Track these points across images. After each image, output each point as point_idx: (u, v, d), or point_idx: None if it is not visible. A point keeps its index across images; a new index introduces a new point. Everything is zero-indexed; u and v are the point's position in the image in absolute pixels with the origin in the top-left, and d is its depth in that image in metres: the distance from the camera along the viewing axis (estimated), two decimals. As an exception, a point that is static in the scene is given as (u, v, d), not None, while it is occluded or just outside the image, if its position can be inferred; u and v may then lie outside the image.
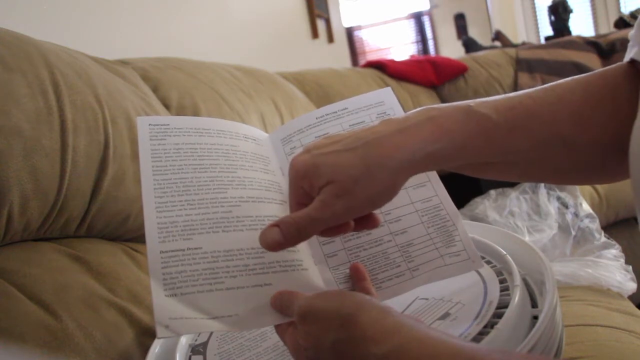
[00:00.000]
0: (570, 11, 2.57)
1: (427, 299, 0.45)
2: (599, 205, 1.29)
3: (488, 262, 0.47)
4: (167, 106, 0.88)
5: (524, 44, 2.51)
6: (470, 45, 2.74)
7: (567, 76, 0.41)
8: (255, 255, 0.40)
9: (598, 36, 2.13)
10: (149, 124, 0.44)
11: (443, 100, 1.95)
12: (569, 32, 2.51)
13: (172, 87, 0.92)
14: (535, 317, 0.40)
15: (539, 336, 0.35)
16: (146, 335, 0.54)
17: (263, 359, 0.44)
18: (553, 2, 2.58)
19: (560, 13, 2.55)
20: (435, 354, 0.28)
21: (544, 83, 0.44)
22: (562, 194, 0.95)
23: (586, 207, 0.93)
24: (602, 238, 0.84)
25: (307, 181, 0.37)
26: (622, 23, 2.33)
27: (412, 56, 2.49)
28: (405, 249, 0.44)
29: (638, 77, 0.38)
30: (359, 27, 5.14)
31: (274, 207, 0.44)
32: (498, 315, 0.39)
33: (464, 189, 0.94)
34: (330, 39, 3.29)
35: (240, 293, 0.38)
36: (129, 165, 0.63)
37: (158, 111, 0.80)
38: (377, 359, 0.30)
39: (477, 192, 1.01)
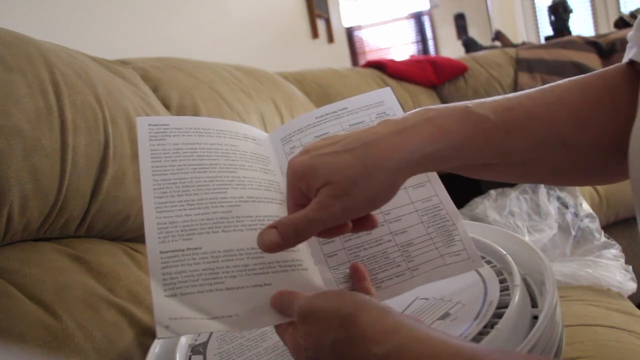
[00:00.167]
0: (570, 11, 2.58)
1: (427, 299, 0.45)
2: (599, 205, 1.29)
3: (488, 262, 0.47)
4: (167, 106, 0.88)
5: (524, 44, 2.51)
6: (470, 45, 2.74)
7: (567, 76, 0.41)
8: (255, 255, 0.40)
9: (598, 36, 2.13)
10: (149, 124, 0.44)
11: (443, 100, 1.95)
12: (569, 32, 2.51)
13: (172, 87, 0.92)
14: (535, 317, 0.40)
15: (539, 336, 0.35)
16: (146, 335, 0.54)
17: (263, 359, 0.44)
18: (553, 2, 2.58)
19: (560, 13, 2.55)
20: (435, 354, 0.28)
21: (544, 83, 0.44)
22: (562, 194, 0.95)
23: (586, 207, 0.93)
24: (602, 238, 0.84)
25: (305, 182, 0.37)
26: (622, 23, 2.33)
27: (412, 56, 2.50)
28: (405, 249, 0.44)
29: (637, 77, 0.38)
30: (359, 27, 5.14)
31: (274, 207, 0.44)
32: (498, 315, 0.39)
33: (464, 189, 0.94)
34: (330, 39, 3.29)
35: (240, 293, 0.38)
36: (129, 165, 0.63)
37: (158, 111, 0.80)
38: (377, 359, 0.30)
39: (477, 192, 1.01)
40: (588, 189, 1.29)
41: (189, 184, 0.41)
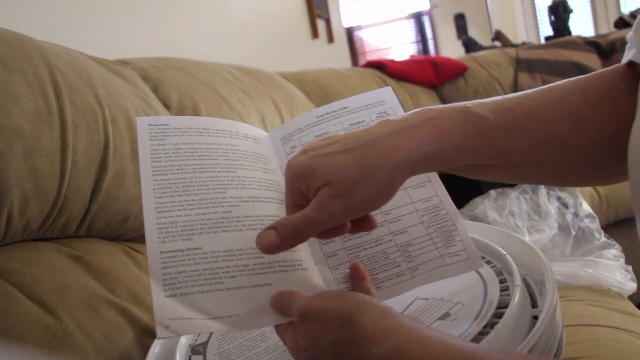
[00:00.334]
0: (570, 11, 2.58)
1: (427, 299, 0.45)
2: (599, 205, 1.29)
3: (488, 262, 0.47)
4: (167, 106, 0.88)
5: (524, 44, 2.51)
6: (470, 45, 2.74)
7: (567, 76, 0.41)
8: (255, 255, 0.40)
9: (598, 36, 2.13)
10: (149, 124, 0.44)
11: (443, 100, 1.95)
12: (569, 32, 2.51)
13: (172, 87, 0.92)
14: (535, 317, 0.40)
15: (539, 336, 0.35)
16: (146, 335, 0.54)
17: (263, 359, 0.44)
18: (553, 2, 2.58)
19: (560, 13, 2.55)
20: (435, 354, 0.28)
21: (544, 83, 0.44)
22: (562, 194, 0.95)
23: (586, 207, 0.93)
24: (602, 238, 0.84)
25: (304, 183, 0.37)
26: (622, 23, 2.33)
27: (412, 56, 2.50)
28: (405, 249, 0.44)
29: (636, 78, 0.38)
30: (359, 27, 5.14)
31: (274, 206, 0.44)
32: (498, 315, 0.39)
33: (464, 189, 0.94)
34: (330, 39, 3.29)
35: (240, 293, 0.38)
36: (129, 165, 0.63)
37: (158, 111, 0.80)
38: (377, 359, 0.30)
39: (477, 192, 1.01)
40: (588, 189, 1.29)
41: (189, 184, 0.41)
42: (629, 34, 0.40)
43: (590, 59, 1.95)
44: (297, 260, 0.42)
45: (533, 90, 0.40)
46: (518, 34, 4.55)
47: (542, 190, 0.95)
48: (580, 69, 1.91)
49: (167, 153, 0.43)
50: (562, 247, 0.83)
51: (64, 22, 1.18)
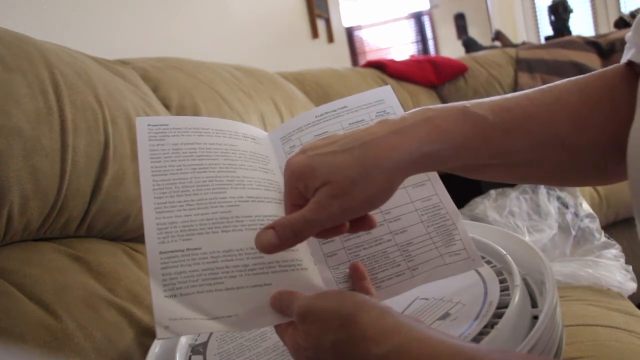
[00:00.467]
0: (570, 11, 2.58)
1: (427, 299, 0.45)
2: (599, 205, 1.29)
3: (488, 262, 0.47)
4: (167, 106, 0.88)
5: (524, 43, 2.51)
6: (470, 45, 2.74)
7: (567, 76, 0.41)
8: (254, 255, 0.40)
9: (598, 36, 2.13)
10: (148, 125, 0.44)
11: (443, 100, 1.95)
12: (569, 32, 2.51)
13: (172, 87, 0.92)
14: (535, 317, 0.40)
15: (539, 336, 0.35)
16: (146, 335, 0.54)
17: (263, 359, 0.44)
18: (553, 2, 2.58)
19: (560, 13, 2.55)
20: (435, 354, 0.28)
21: (544, 83, 0.44)
22: (562, 194, 0.95)
23: (586, 207, 0.93)
24: (602, 238, 0.84)
25: (303, 182, 0.37)
26: (622, 23, 2.33)
27: (412, 56, 2.50)
28: (405, 248, 0.44)
29: (635, 78, 0.38)
30: (359, 27, 5.14)
31: (274, 206, 0.44)
32: (498, 315, 0.39)
33: (464, 189, 0.94)
34: (330, 39, 3.29)
35: (239, 293, 0.38)
36: (129, 165, 0.63)
37: (158, 111, 0.80)
38: (377, 359, 0.30)
39: (477, 192, 1.01)
40: (588, 189, 1.29)
41: (189, 184, 0.41)
42: (628, 34, 0.40)
43: (590, 58, 1.95)
44: (296, 260, 0.42)
45: (532, 90, 0.40)
46: (518, 34, 4.55)
47: (542, 190, 0.95)
48: (580, 69, 1.91)
49: (167, 153, 0.43)
50: (562, 247, 0.83)
51: (64, 22, 1.18)
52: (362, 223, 0.40)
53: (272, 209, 0.43)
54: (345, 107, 0.49)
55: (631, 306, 0.69)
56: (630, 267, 0.76)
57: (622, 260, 0.78)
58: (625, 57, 0.39)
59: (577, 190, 0.97)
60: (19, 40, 0.58)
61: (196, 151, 0.44)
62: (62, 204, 0.56)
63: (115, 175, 0.61)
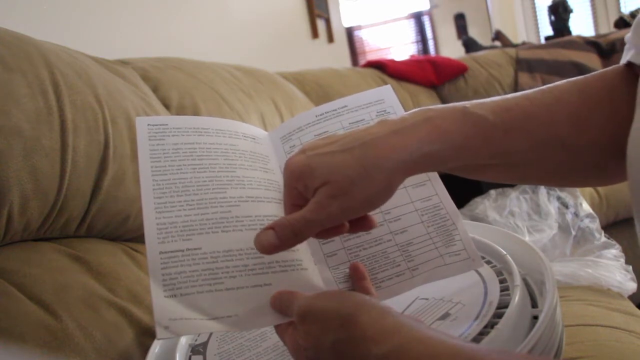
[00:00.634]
0: (571, 11, 2.58)
1: (427, 299, 0.45)
2: (599, 205, 1.29)
3: (488, 262, 0.47)
4: (167, 106, 0.88)
5: (524, 43, 2.51)
6: (470, 45, 2.74)
7: (567, 76, 0.41)
8: (254, 256, 0.39)
9: (598, 36, 2.13)
10: (148, 124, 0.44)
11: (443, 100, 1.95)
12: (569, 32, 2.51)
13: (172, 87, 0.92)
14: (536, 317, 0.40)
15: (539, 336, 0.35)
16: (146, 335, 0.54)
17: (263, 359, 0.44)
18: (553, 2, 2.58)
19: (560, 13, 2.55)
20: (435, 354, 0.28)
21: (544, 83, 0.44)
22: (562, 194, 0.95)
23: (586, 207, 0.93)
24: (602, 238, 0.84)
25: (302, 182, 0.36)
26: (622, 23, 2.33)
27: (412, 56, 2.50)
28: (405, 248, 0.44)
29: (635, 79, 0.38)
30: (359, 27, 5.14)
31: (274, 206, 0.44)
32: (498, 315, 0.39)
33: (464, 189, 0.94)
34: (330, 39, 3.29)
35: (239, 293, 0.38)
36: (129, 165, 0.63)
37: (158, 111, 0.80)
38: (377, 359, 0.30)
39: (477, 192, 1.01)
40: (588, 189, 1.29)
41: (189, 184, 0.41)
42: (628, 34, 0.40)
43: (590, 59, 1.95)
44: (296, 260, 0.42)
45: (532, 90, 0.40)
46: (518, 34, 4.55)
47: (542, 190, 0.95)
48: (580, 69, 1.91)
49: (167, 153, 0.43)
50: (562, 247, 0.83)
51: (64, 22, 1.18)
52: (362, 223, 0.40)
53: (272, 209, 0.43)
54: (346, 106, 0.49)
55: (631, 306, 0.69)
56: (630, 267, 0.76)
57: (622, 260, 0.78)
58: (625, 58, 0.39)
59: (577, 190, 0.97)
60: (19, 40, 0.58)
61: (196, 151, 0.44)
62: (62, 204, 0.56)
63: (115, 175, 0.61)
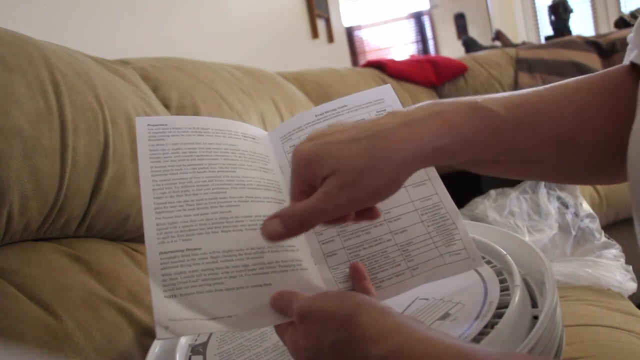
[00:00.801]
0: (571, 11, 2.58)
1: (427, 299, 0.45)
2: (599, 205, 1.29)
3: (488, 262, 0.47)
4: (167, 106, 0.88)
5: (524, 43, 2.51)
6: (470, 45, 2.74)
7: (568, 76, 0.41)
8: (254, 256, 0.39)
9: (598, 36, 2.13)
10: (148, 124, 0.44)
11: (443, 100, 1.94)
12: (569, 32, 2.51)
13: (172, 87, 0.92)
14: (536, 317, 0.40)
15: (539, 336, 0.35)
16: (146, 335, 0.54)
17: (263, 359, 0.44)
18: (553, 2, 2.58)
19: (560, 13, 2.55)
20: (435, 355, 0.28)
21: (544, 83, 0.44)
22: (562, 194, 0.95)
23: (586, 207, 0.93)
24: (602, 238, 0.84)
25: (310, 170, 0.36)
26: (623, 23, 2.33)
27: (412, 56, 2.50)
28: (405, 248, 0.44)
29: (637, 79, 0.38)
30: (359, 27, 5.14)
31: (274, 206, 0.44)
32: (498, 315, 0.39)
33: (464, 189, 0.94)
34: (330, 38, 3.29)
35: (239, 293, 0.38)
36: (129, 165, 0.63)
37: (158, 111, 0.80)
38: (377, 359, 0.30)
39: (477, 192, 1.01)
40: (588, 188, 1.29)
41: (188, 184, 0.41)
42: (630, 35, 0.40)
43: (591, 58, 1.95)
44: (296, 260, 0.42)
45: (542, 87, 0.40)
46: (518, 34, 4.55)
47: (542, 190, 0.95)
48: (581, 68, 1.91)
49: (166, 153, 0.43)
50: (562, 247, 0.83)
51: (64, 22, 1.18)
52: (367, 213, 0.40)
53: (272, 209, 0.43)
54: (345, 106, 0.49)
55: (631, 306, 0.69)
56: (630, 267, 0.76)
57: (622, 260, 0.78)
58: (628, 59, 0.39)
59: (577, 190, 0.97)
60: (19, 40, 0.58)
61: (196, 151, 0.44)
62: (62, 204, 0.56)
63: (115, 175, 0.61)
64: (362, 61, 3.85)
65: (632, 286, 0.73)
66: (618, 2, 4.64)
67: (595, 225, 0.87)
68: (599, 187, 1.32)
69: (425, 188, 0.46)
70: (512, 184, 0.99)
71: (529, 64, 1.97)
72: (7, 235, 0.52)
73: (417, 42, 5.21)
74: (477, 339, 0.37)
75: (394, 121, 0.36)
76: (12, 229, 0.52)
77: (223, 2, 2.06)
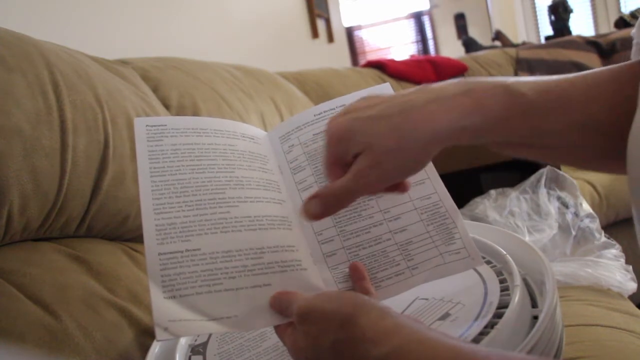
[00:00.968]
0: (571, 11, 2.58)
1: (427, 299, 0.45)
2: (599, 205, 1.29)
3: (488, 262, 0.47)
4: (167, 106, 0.88)
5: (524, 43, 2.51)
6: (470, 45, 2.74)
7: (568, 76, 0.41)
8: (254, 256, 0.39)
9: (598, 36, 2.13)
10: (146, 125, 0.44)
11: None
12: (569, 32, 2.51)
13: (172, 87, 0.92)
14: (536, 317, 0.40)
15: (539, 336, 0.35)
16: (146, 335, 0.54)
17: (263, 359, 0.44)
18: (553, 2, 2.58)
19: (560, 13, 2.55)
20: (435, 355, 0.28)
21: (544, 83, 0.44)
22: (562, 194, 0.95)
23: (586, 207, 0.92)
24: (602, 238, 0.84)
25: (344, 145, 0.37)
26: (623, 23, 2.33)
27: (412, 56, 2.50)
28: (405, 247, 0.44)
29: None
30: (359, 27, 5.14)
31: (273, 206, 0.44)
32: (498, 315, 0.38)
33: (464, 189, 0.94)
34: (330, 38, 3.29)
35: (239, 294, 0.38)
36: (129, 165, 0.63)
37: (158, 111, 0.80)
38: (377, 360, 0.30)
39: (477, 192, 1.01)
40: (588, 189, 1.29)
41: (187, 185, 0.41)
42: (633, 31, 0.40)
43: (591, 58, 1.95)
44: (296, 261, 0.42)
45: (572, 74, 0.40)
46: (518, 34, 4.55)
47: (542, 190, 0.95)
48: (581, 68, 1.91)
49: (165, 154, 0.43)
50: (562, 247, 0.83)
51: (64, 22, 1.18)
52: (397, 186, 0.41)
53: (272, 209, 0.43)
54: (344, 105, 0.49)
55: (631, 306, 0.69)
56: (630, 267, 0.76)
57: (622, 260, 0.78)
58: (635, 55, 0.39)
59: (577, 190, 0.97)
60: (19, 40, 0.58)
61: (195, 151, 0.44)
62: (62, 204, 0.56)
63: (115, 175, 0.61)
64: (362, 61, 3.85)
65: (632, 286, 0.73)
66: (618, 2, 4.63)
67: (595, 225, 0.87)
68: (598, 187, 1.32)
69: (425, 187, 0.46)
70: (512, 184, 0.99)
71: (529, 64, 1.98)
72: (7, 235, 0.52)
73: (417, 42, 5.21)
74: (477, 339, 0.36)
75: (423, 96, 0.37)
76: (12, 228, 0.52)
77: (223, 2, 2.06)
